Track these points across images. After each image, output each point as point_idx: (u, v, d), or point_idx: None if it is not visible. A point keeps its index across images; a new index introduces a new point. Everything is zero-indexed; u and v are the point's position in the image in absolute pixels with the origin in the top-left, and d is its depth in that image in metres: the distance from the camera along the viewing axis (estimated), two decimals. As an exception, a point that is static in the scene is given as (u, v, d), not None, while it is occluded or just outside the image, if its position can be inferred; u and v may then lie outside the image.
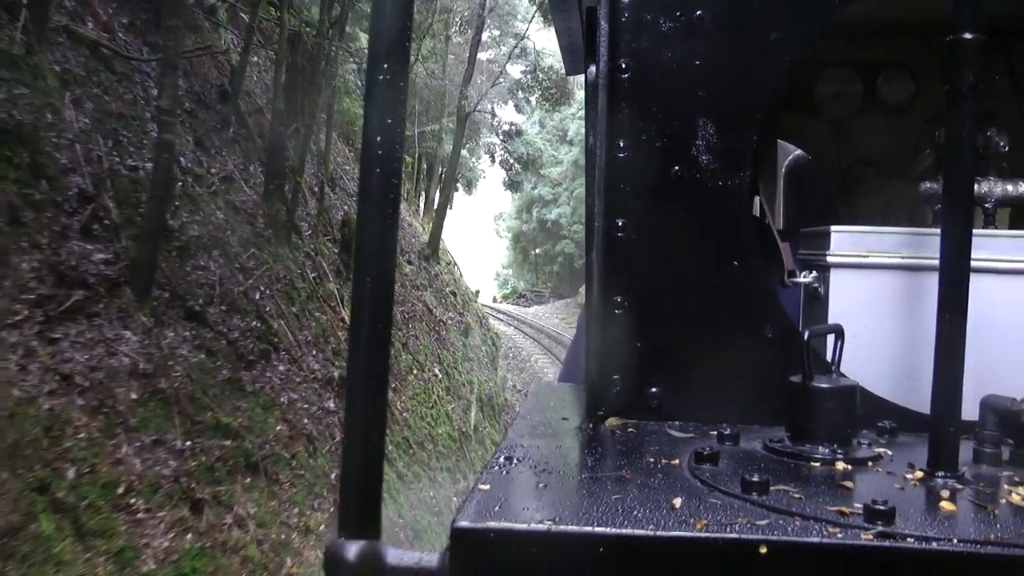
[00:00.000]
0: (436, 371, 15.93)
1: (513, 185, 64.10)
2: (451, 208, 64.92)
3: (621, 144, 2.12)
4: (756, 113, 2.14)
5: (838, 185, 3.53)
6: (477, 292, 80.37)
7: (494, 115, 60.79)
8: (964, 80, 1.59)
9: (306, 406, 9.87)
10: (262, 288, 10.99)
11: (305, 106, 15.19)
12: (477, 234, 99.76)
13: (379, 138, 1.32)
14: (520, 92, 53.91)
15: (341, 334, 12.69)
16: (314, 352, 11.14)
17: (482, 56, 54.45)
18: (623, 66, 2.11)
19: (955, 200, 1.62)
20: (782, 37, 2.11)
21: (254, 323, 10.20)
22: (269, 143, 12.55)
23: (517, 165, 60.78)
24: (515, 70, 52.13)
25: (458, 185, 60.06)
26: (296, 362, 10.40)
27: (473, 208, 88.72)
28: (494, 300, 74.35)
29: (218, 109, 13.12)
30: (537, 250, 71.76)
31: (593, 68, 2.18)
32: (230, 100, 13.35)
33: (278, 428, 8.86)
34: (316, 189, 15.48)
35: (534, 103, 56.84)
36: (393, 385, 13.91)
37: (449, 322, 19.41)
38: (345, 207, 17.39)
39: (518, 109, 59.72)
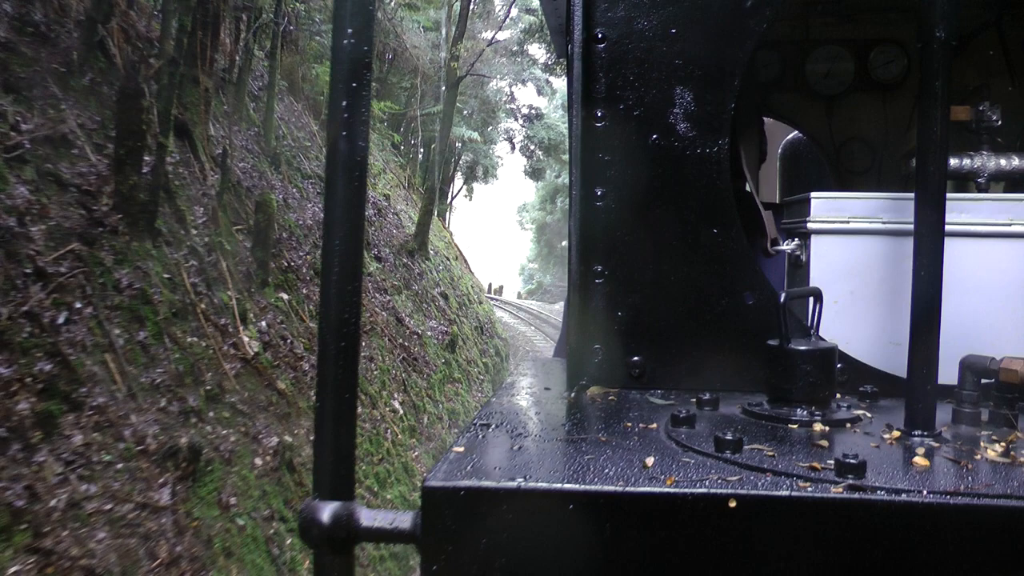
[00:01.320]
0: (395, 404, 11.89)
1: (535, 173, 60.02)
2: (469, 199, 61.56)
3: (598, 113, 2.17)
4: (733, 80, 2.15)
5: (832, 162, 3.54)
6: (500, 288, 77.46)
7: (512, 97, 56.92)
8: (935, 37, 1.62)
9: (107, 508, 5.86)
10: (77, 305, 7.02)
11: (213, 46, 11.20)
12: (500, 227, 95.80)
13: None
14: (541, 71, 49.76)
15: (232, 365, 8.69)
16: (161, 403, 7.13)
17: (499, 36, 50.77)
18: (599, 36, 2.15)
19: (928, 164, 1.64)
20: (758, 2, 2.12)
21: (41, 366, 6.24)
22: (122, 84, 8.54)
23: (539, 152, 56.65)
24: (538, 52, 48.27)
25: (476, 174, 56.25)
26: (112, 427, 6.40)
27: (495, 199, 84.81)
28: (518, 296, 70.85)
29: (68, 44, 9.19)
30: (563, 243, 67.71)
31: (570, 39, 2.21)
32: (88, 31, 9.41)
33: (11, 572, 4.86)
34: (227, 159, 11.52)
35: (555, 84, 52.82)
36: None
37: (428, 334, 15.39)
38: (277, 186, 13.38)
39: (539, 91, 55.62)
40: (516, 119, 57.08)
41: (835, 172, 3.54)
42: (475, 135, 38.44)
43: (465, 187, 58.77)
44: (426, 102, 34.62)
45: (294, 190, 14.68)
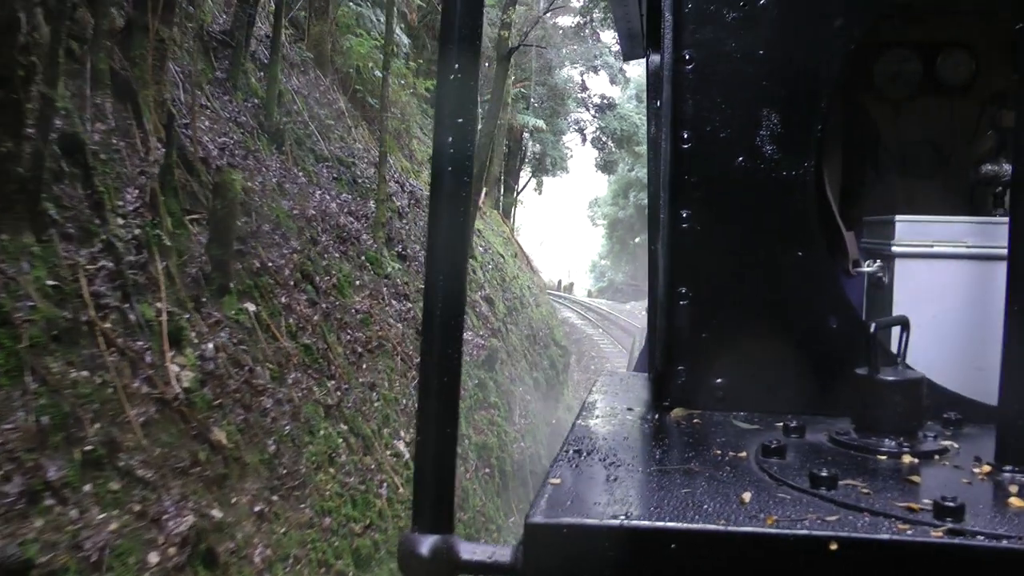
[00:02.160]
0: (399, 446, 9.24)
1: (607, 166, 56.74)
2: (539, 192, 58.77)
3: (685, 135, 2.13)
4: (821, 102, 2.14)
5: (898, 167, 3.49)
6: (570, 286, 74.61)
7: (584, 86, 53.84)
8: None
9: None
10: None
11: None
12: (572, 222, 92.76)
13: (450, 138, 1.37)
14: (614, 59, 46.53)
15: (141, 409, 6.16)
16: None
17: (568, 21, 47.75)
18: (687, 57, 2.13)
19: None
20: (845, 23, 2.11)
21: None
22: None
23: (611, 143, 53.41)
24: (611, 38, 45.11)
25: (545, 166, 53.44)
26: None
27: (566, 193, 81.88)
28: (588, 294, 67.96)
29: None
30: (636, 239, 64.45)
31: (656, 58, 2.24)
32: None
33: None
34: (185, 129, 9.06)
35: (629, 73, 49.48)
36: (283, 488, 7.26)
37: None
38: (271, 168, 10.87)
39: (612, 80, 52.40)
40: (587, 109, 53.98)
41: (901, 177, 3.42)
42: (540, 123, 35.57)
43: (534, 180, 56.14)
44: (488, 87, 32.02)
45: (300, 174, 12.20)
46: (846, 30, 2.11)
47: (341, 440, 8.28)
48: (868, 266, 2.49)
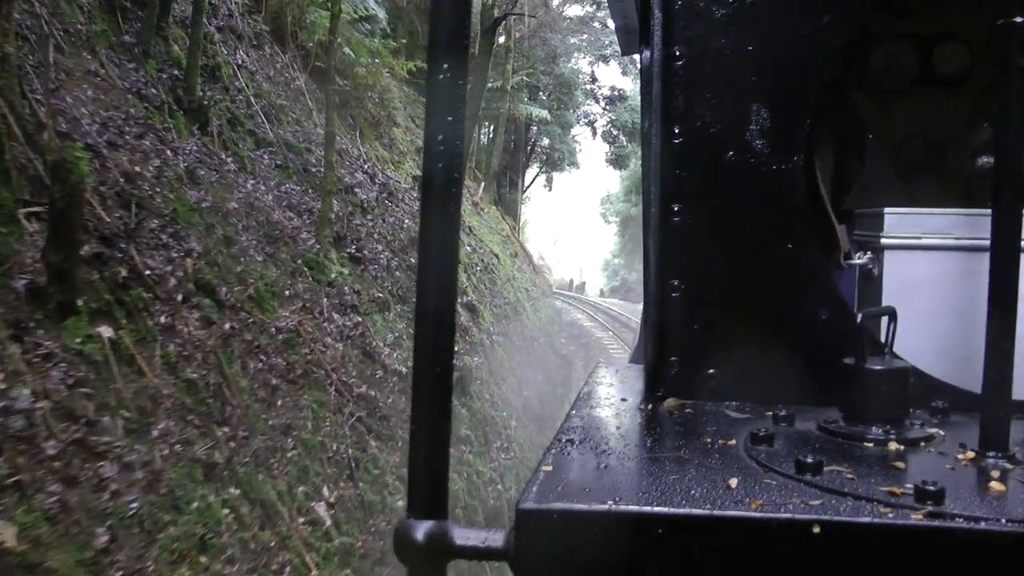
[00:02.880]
0: (319, 511, 7.06)
1: (618, 161, 54.11)
2: (549, 188, 56.43)
3: (676, 130, 2.16)
4: (810, 97, 2.18)
5: (893, 160, 3.45)
6: (581, 285, 72.41)
7: (593, 78, 51.38)
8: (1015, 62, 1.61)
9: None
10: None
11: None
12: (583, 219, 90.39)
13: (440, 136, 1.39)
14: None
15: None
16: None
17: (574, 11, 45.36)
18: (677, 53, 2.15)
19: (1005, 180, 1.65)
20: (833, 19, 2.13)
21: None
22: None
23: (622, 137, 50.90)
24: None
25: (554, 160, 51.10)
26: None
27: (577, 189, 79.52)
28: (600, 294, 65.78)
29: None
30: (649, 237, 61.86)
31: (647, 53, 2.22)
32: None
33: None
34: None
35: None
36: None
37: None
38: (180, 152, 8.70)
39: (624, 72, 49.91)
40: (597, 101, 51.53)
41: (896, 170, 3.30)
42: (544, 113, 33.29)
43: (544, 176, 53.78)
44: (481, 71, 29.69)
45: (229, 160, 10.04)
46: (834, 26, 2.13)
47: (226, 511, 6.08)
48: (859, 258, 2.51)
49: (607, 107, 50.69)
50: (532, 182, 52.39)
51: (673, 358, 2.18)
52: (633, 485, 1.51)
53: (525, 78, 31.73)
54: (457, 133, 1.40)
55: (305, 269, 9.54)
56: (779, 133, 2.13)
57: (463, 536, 1.39)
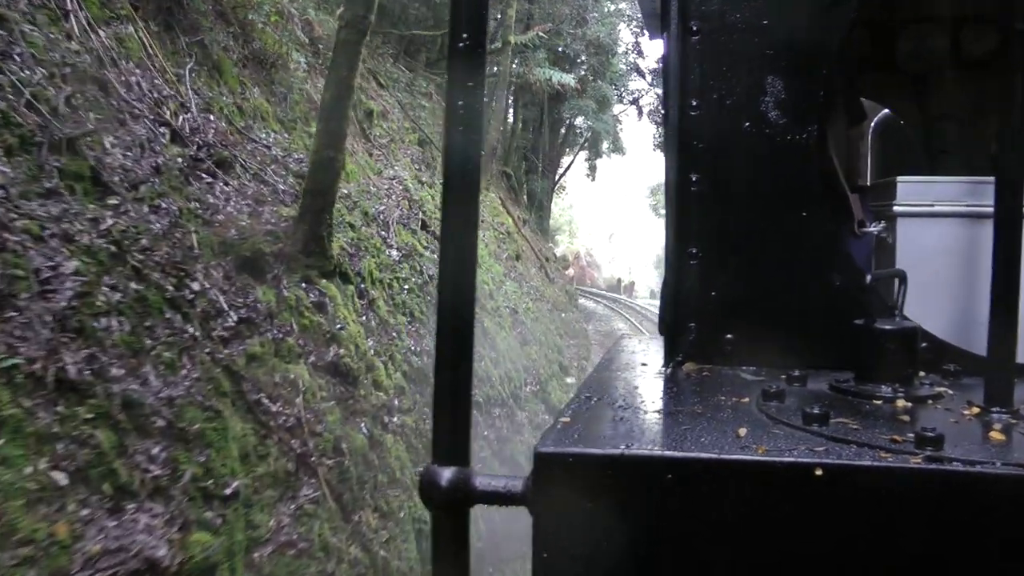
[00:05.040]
0: None
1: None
2: (591, 178, 49.63)
3: (693, 103, 2.22)
4: (822, 69, 2.22)
5: (922, 142, 3.55)
6: (630, 285, 65.47)
7: (638, 49, 44.53)
8: None
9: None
10: None
11: None
12: (632, 212, 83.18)
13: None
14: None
15: None
16: None
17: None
18: (693, 28, 2.21)
19: (1009, 146, 1.70)
20: None
21: None
22: None
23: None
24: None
25: (594, 144, 44.39)
26: None
27: (624, 177, 72.48)
28: (651, 295, 59.06)
29: None
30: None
31: (667, 31, 2.27)
32: None
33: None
34: None
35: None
36: None
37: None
38: None
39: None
40: (643, 76, 44.68)
41: (926, 152, 3.48)
42: (567, 78, 26.74)
43: (585, 163, 47.12)
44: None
45: None
46: (846, 0, 2.20)
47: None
48: (873, 227, 2.56)
49: (654, 82, 43.72)
50: (567, 170, 45.79)
51: (691, 324, 2.22)
52: (646, 434, 1.55)
53: (542, 35, 25.27)
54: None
55: None
56: (793, 105, 2.18)
57: (485, 482, 1.45)
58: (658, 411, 1.74)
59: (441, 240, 1.48)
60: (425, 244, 12.56)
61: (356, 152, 14.15)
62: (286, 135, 10.73)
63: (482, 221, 19.05)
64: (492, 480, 1.44)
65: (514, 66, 26.16)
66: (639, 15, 38.44)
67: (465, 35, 1.44)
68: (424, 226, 13.21)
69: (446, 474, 1.41)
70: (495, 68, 21.79)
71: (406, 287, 10.23)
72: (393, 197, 13.16)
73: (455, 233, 1.46)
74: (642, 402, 1.82)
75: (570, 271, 61.68)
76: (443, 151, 1.50)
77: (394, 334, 9.58)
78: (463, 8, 1.45)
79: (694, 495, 1.36)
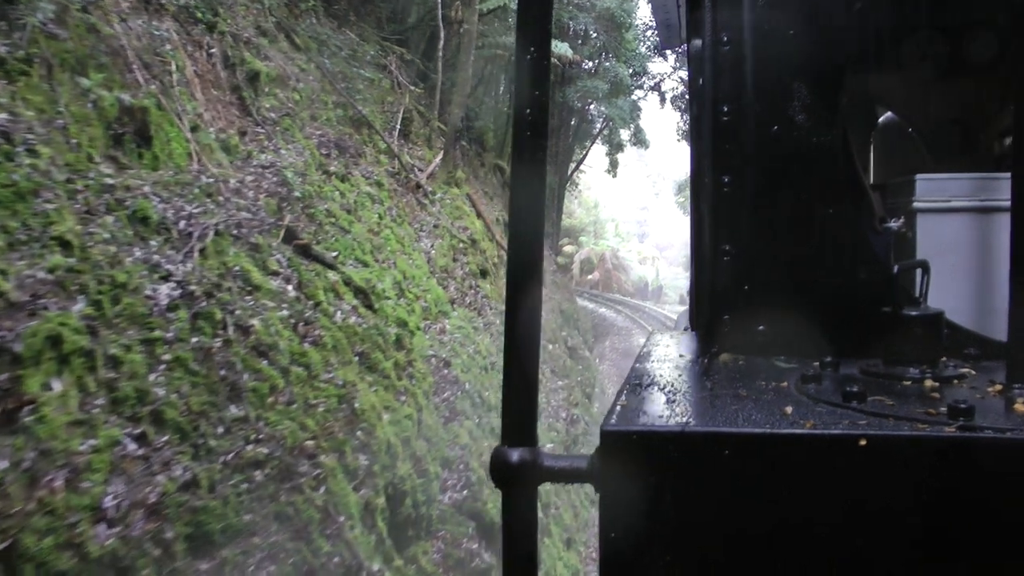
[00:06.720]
0: None
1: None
2: (612, 175, 44.43)
3: (725, 109, 2.33)
4: (846, 75, 2.39)
5: (928, 144, 3.61)
6: (658, 290, 60.02)
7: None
8: None
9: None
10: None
11: None
12: (658, 209, 77.74)
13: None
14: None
15: None
16: None
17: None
18: (724, 39, 2.33)
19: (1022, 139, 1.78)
20: (868, 3, 2.34)
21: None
22: None
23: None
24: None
25: (610, 134, 39.27)
26: None
27: (648, 172, 67.18)
28: (681, 300, 53.98)
29: None
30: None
31: (698, 42, 2.41)
32: None
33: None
34: None
35: None
36: None
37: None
38: None
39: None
40: (665, 57, 39.53)
41: (931, 153, 3.55)
42: (564, 48, 21.82)
43: (606, 156, 42.00)
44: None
45: None
46: (868, 9, 2.33)
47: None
48: (893, 223, 2.63)
49: (678, 65, 38.58)
50: (579, 163, 40.82)
51: (726, 317, 2.33)
52: (700, 413, 1.64)
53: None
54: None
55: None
56: (818, 109, 2.28)
57: (552, 461, 1.54)
58: (705, 394, 1.84)
59: (511, 222, 1.59)
60: (278, 269, 7.82)
61: (219, 125, 9.52)
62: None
63: (435, 227, 14.34)
64: (559, 459, 1.56)
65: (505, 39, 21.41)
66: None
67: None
68: (290, 238, 8.46)
69: (515, 454, 1.52)
70: (464, 27, 16.96)
71: (161, 365, 5.50)
72: (247, 194, 8.51)
73: (525, 210, 1.59)
74: (689, 387, 1.92)
75: (595, 274, 56.80)
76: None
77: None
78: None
79: (750, 467, 1.46)
